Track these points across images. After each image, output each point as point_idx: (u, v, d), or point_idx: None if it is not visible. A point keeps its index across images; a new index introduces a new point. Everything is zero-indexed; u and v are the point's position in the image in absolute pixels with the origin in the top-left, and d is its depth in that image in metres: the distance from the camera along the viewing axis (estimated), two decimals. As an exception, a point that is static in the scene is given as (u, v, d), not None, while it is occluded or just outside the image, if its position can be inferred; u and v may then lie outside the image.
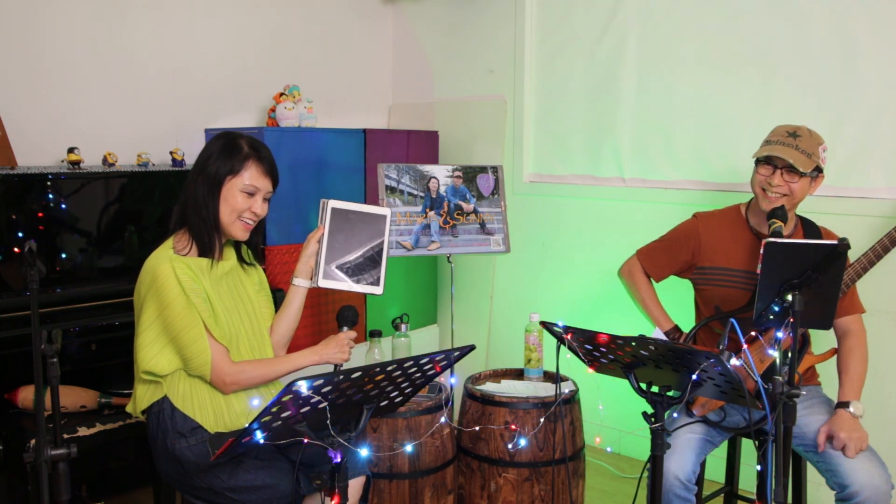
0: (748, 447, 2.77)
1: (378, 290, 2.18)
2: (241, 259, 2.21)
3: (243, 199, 2.06)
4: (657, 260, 2.55)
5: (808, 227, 2.42)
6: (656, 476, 1.90)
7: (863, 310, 2.40)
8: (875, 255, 2.42)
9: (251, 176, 2.06)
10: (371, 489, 2.21)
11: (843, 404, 2.25)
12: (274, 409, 1.52)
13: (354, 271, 2.16)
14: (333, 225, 2.14)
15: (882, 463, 2.15)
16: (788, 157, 2.25)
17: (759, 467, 2.03)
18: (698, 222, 2.52)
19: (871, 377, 2.89)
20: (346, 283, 2.15)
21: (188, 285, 1.99)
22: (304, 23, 3.98)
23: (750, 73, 3.19)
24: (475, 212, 3.15)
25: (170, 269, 1.98)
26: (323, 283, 2.13)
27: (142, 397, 2.06)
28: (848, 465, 2.14)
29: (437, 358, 1.75)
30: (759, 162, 2.33)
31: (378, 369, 1.61)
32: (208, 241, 2.07)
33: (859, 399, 2.27)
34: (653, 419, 1.85)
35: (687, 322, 2.59)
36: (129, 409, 2.12)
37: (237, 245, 2.20)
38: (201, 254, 2.07)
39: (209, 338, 2.00)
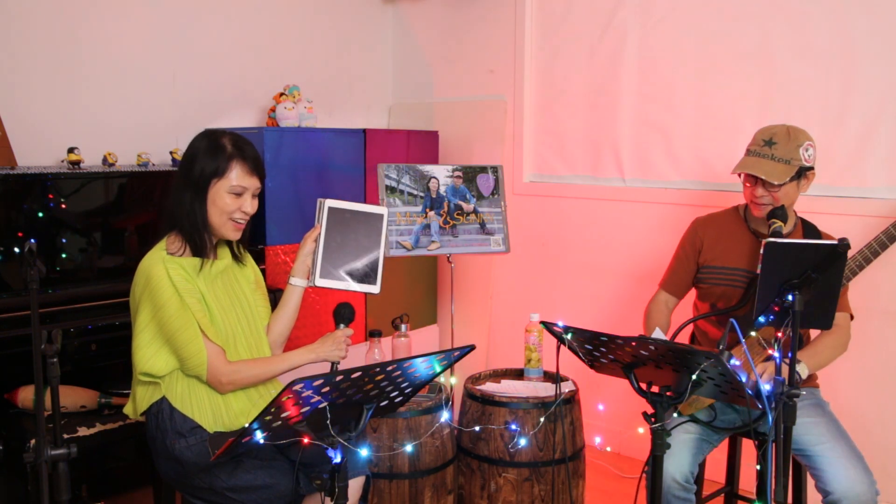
0: (748, 447, 2.77)
1: (375, 289, 2.18)
2: (235, 257, 2.21)
3: (231, 199, 2.06)
4: (676, 277, 2.55)
5: (808, 229, 2.42)
6: (656, 476, 1.90)
7: (850, 311, 2.39)
8: (871, 252, 2.42)
9: (237, 176, 2.05)
10: (371, 489, 2.21)
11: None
12: (273, 409, 1.52)
13: (353, 271, 2.16)
14: (330, 224, 2.14)
15: (867, 469, 2.12)
16: (760, 172, 2.25)
17: (758, 467, 2.03)
18: (697, 225, 2.54)
19: (871, 378, 2.90)
20: (343, 283, 2.15)
21: (182, 286, 1.99)
22: (304, 23, 3.98)
23: (750, 73, 3.19)
24: (475, 212, 3.15)
25: (163, 270, 1.98)
26: (320, 283, 2.13)
27: (141, 399, 2.05)
28: (831, 471, 2.12)
29: (437, 358, 1.75)
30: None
31: (378, 369, 1.61)
32: (200, 243, 2.07)
33: (812, 371, 2.28)
34: (653, 419, 1.85)
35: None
36: (127, 410, 2.11)
37: (230, 242, 2.20)
38: (195, 255, 2.07)
39: (204, 338, 2.00)
